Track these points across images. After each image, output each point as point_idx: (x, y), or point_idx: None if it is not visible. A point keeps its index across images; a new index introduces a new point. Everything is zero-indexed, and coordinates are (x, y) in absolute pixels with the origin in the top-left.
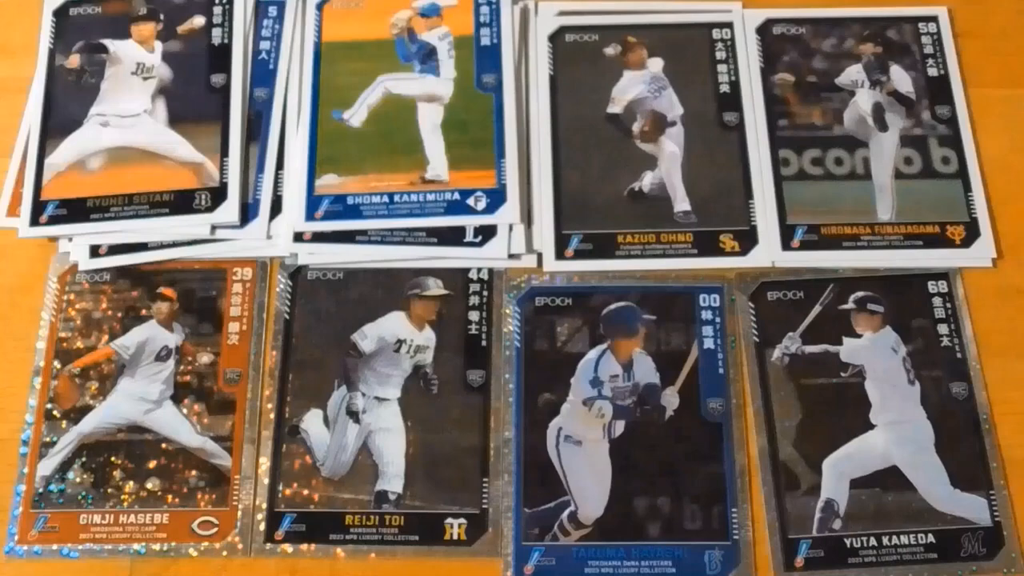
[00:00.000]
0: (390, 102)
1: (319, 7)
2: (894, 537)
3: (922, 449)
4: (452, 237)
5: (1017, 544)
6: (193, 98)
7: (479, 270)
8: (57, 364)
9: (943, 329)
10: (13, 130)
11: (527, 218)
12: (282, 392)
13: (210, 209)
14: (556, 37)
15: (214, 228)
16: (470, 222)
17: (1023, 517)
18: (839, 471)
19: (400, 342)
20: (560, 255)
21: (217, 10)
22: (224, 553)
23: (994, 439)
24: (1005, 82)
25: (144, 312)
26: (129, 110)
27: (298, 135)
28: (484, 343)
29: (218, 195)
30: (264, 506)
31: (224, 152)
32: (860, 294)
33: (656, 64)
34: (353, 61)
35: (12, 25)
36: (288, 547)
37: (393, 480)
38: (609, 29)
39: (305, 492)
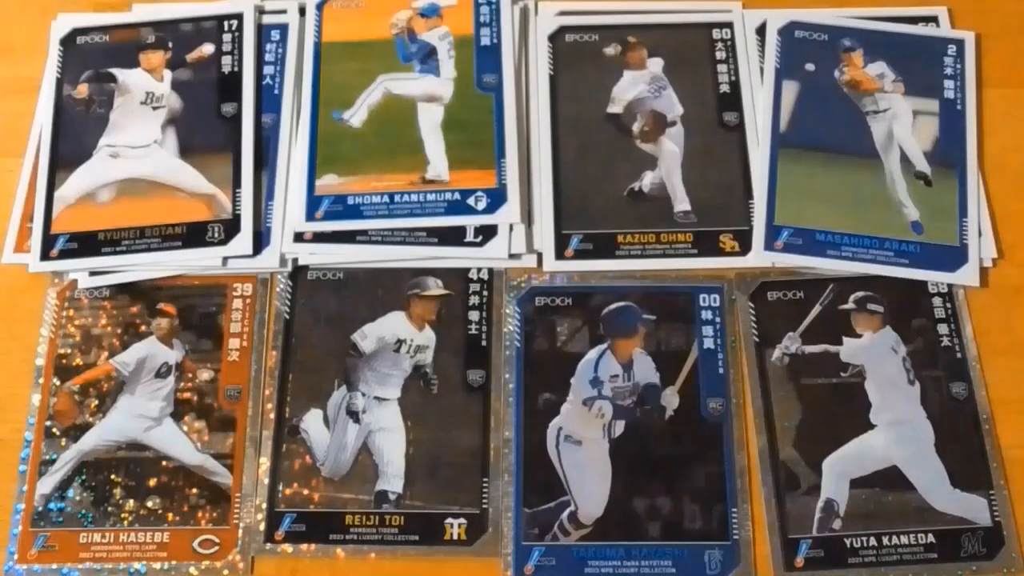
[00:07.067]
0: (390, 102)
1: (319, 7)
2: (894, 537)
3: (922, 449)
4: (452, 237)
5: (1017, 544)
6: (203, 128)
7: (479, 270)
8: (56, 381)
9: (943, 329)
10: (20, 162)
11: (527, 218)
12: (282, 392)
13: (223, 242)
14: (556, 37)
15: (226, 260)
16: (470, 222)
17: (1023, 517)
18: (839, 471)
19: (400, 342)
20: (560, 255)
21: (226, 37)
22: (225, 572)
23: (994, 439)
24: (1005, 81)
25: (144, 328)
26: (139, 141)
27: (298, 135)
28: (484, 343)
29: (231, 227)
30: (264, 506)
31: (236, 183)
32: (860, 294)
33: (656, 64)
34: (353, 61)
35: (20, 54)
36: (288, 547)
37: (393, 480)
38: (609, 29)
39: (305, 492)
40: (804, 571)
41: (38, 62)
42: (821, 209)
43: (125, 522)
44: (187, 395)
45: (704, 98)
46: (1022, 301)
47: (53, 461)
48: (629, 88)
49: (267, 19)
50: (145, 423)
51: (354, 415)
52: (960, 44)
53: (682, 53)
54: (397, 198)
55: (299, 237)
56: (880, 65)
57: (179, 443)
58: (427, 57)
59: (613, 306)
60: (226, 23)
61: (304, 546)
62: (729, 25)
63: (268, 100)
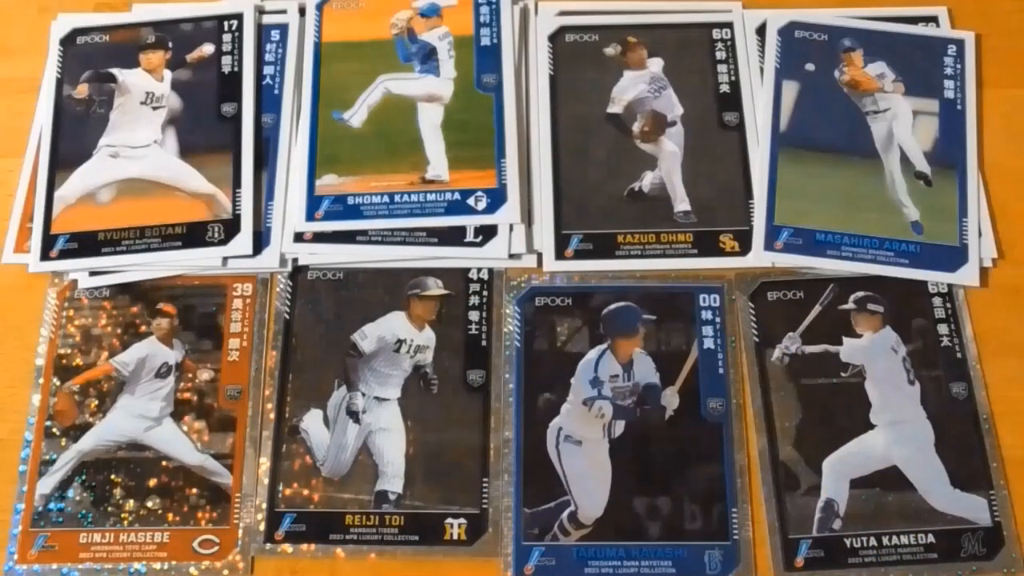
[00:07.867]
0: (390, 102)
1: (319, 7)
2: (894, 537)
3: (922, 449)
4: (452, 237)
5: (1017, 544)
6: (203, 128)
7: (479, 270)
8: (56, 381)
9: (943, 329)
10: (20, 162)
11: (527, 218)
12: (282, 392)
13: (223, 242)
14: (556, 37)
15: (226, 260)
16: (470, 222)
17: (1023, 517)
18: (839, 471)
19: (400, 342)
20: (560, 255)
21: (227, 37)
22: (225, 572)
23: (994, 439)
24: (1005, 81)
25: (144, 328)
26: (139, 141)
27: (298, 135)
28: (484, 343)
29: (231, 227)
30: (264, 506)
31: (236, 183)
32: (860, 294)
33: (656, 64)
34: (353, 61)
35: (20, 54)
36: (288, 547)
37: (393, 480)
38: (609, 29)
39: (305, 492)
40: (804, 571)
41: (38, 62)
42: (821, 209)
43: (125, 522)
44: (187, 395)
45: (704, 98)
46: (1022, 301)
47: (53, 461)
48: (629, 88)
49: (267, 19)
50: (145, 423)
51: (354, 415)
52: (960, 44)
53: (682, 53)
54: (397, 198)
55: (299, 237)
56: (880, 65)
57: (179, 443)
58: (427, 57)
59: (613, 306)
60: (226, 23)
61: (304, 546)
62: (729, 25)
63: (268, 100)
